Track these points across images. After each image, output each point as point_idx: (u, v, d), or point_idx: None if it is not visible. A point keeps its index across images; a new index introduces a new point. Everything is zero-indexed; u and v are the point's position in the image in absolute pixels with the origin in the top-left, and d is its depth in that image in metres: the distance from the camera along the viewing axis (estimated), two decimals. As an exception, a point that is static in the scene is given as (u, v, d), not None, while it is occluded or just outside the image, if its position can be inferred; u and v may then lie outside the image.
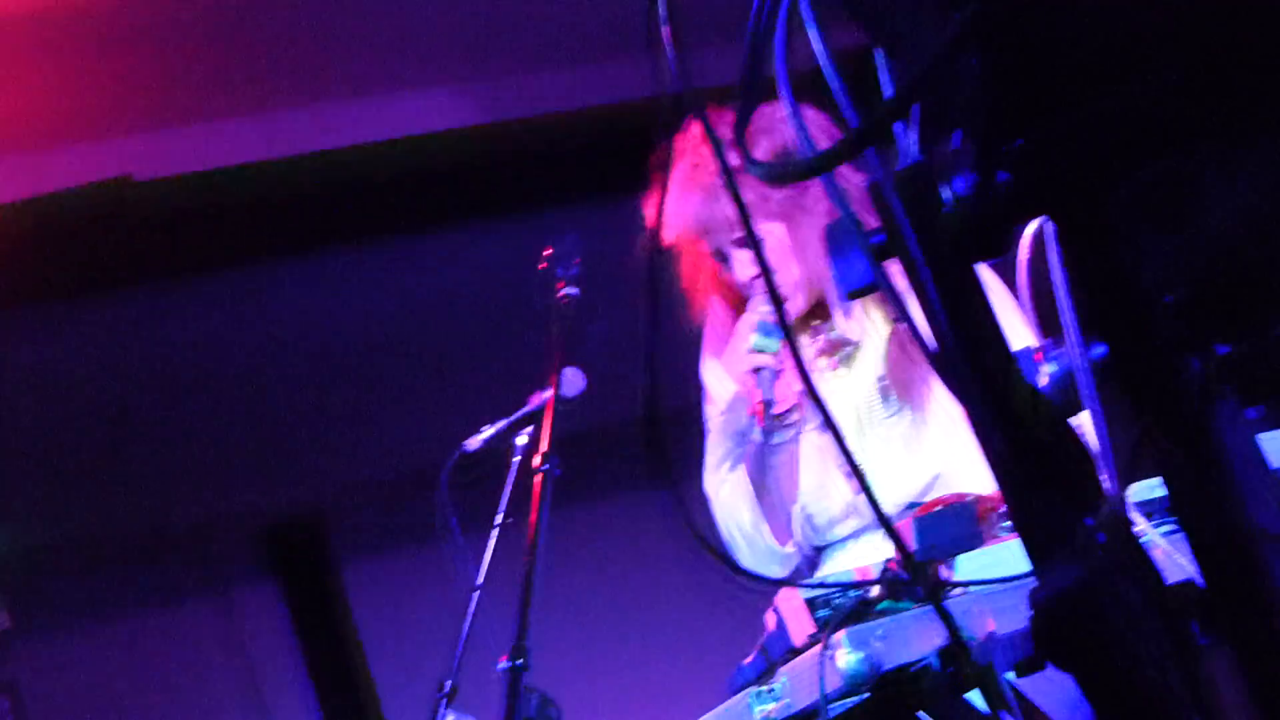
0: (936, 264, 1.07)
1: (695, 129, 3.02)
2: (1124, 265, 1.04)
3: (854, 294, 1.22)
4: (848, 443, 3.01)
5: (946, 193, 1.09)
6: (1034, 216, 1.11)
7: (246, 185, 5.74)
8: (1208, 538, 1.07)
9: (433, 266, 6.13)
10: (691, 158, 3.04)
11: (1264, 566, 1.08)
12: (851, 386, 3.11)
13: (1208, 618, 1.09)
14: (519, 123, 5.64)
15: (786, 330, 2.98)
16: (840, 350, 3.15)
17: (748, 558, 3.22)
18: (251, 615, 8.31)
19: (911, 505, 3.03)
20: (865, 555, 3.03)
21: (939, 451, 3.00)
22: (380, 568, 8.49)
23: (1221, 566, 1.06)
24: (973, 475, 2.90)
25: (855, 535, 3.12)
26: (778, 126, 3.00)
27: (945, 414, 3.00)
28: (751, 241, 1.70)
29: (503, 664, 2.59)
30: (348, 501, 8.37)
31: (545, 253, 3.06)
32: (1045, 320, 1.26)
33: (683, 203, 3.02)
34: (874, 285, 1.20)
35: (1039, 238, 1.22)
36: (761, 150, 3.01)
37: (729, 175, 1.39)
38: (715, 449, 3.25)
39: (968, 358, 1.05)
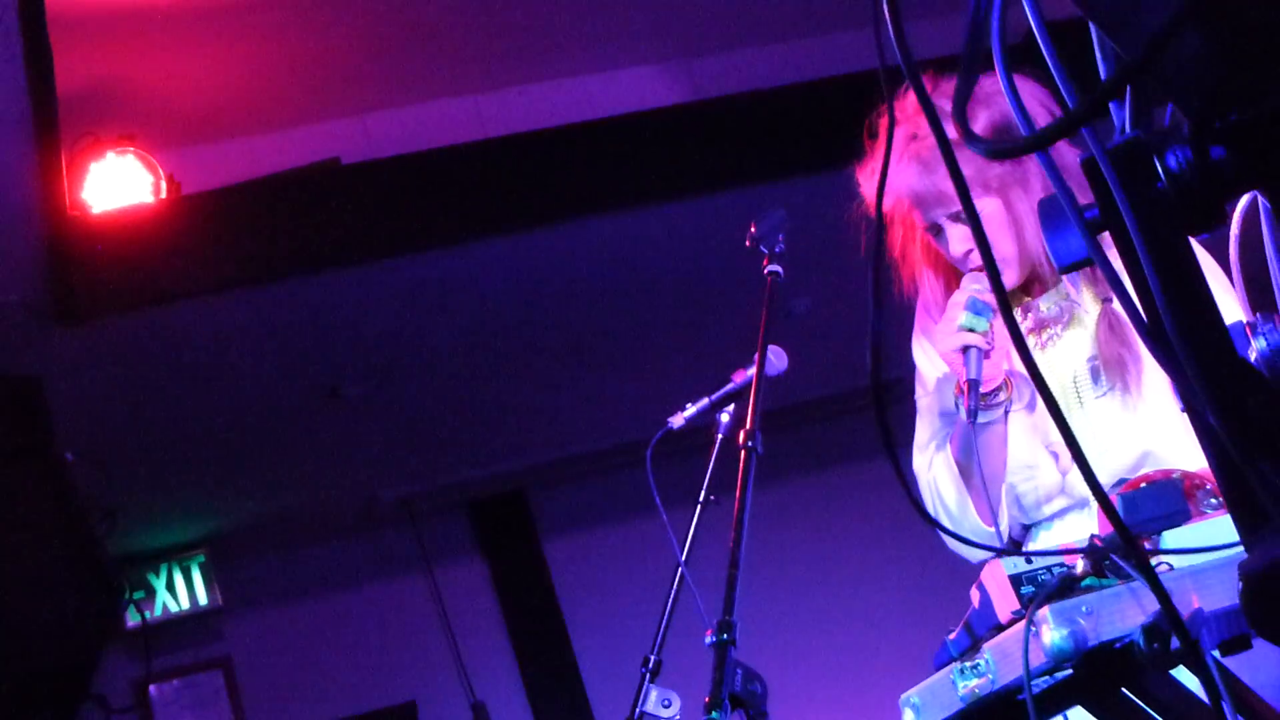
0: (1151, 238, 1.08)
1: (911, 100, 3.03)
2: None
3: (1067, 268, 1.23)
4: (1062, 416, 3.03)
5: (1160, 168, 1.10)
6: (1248, 191, 1.12)
7: (451, 167, 5.84)
8: None
9: (638, 244, 6.17)
10: (908, 127, 3.03)
11: None
12: (1060, 364, 3.09)
13: None
14: (723, 100, 5.67)
15: (1003, 303, 2.99)
16: (1049, 329, 3.12)
17: (950, 532, 3.22)
18: (456, 589, 8.44)
19: (1120, 482, 3.01)
20: (1071, 533, 3.02)
21: (1149, 430, 2.97)
22: (583, 544, 8.59)
23: None
24: (1183, 454, 2.88)
25: (1061, 514, 3.11)
26: (995, 99, 2.98)
27: (1155, 392, 2.97)
28: (971, 215, 1.71)
29: (709, 639, 2.62)
30: (551, 477, 8.48)
31: (751, 230, 3.06)
32: (1258, 295, 1.26)
33: (899, 174, 3.01)
34: (1087, 260, 1.21)
35: (1250, 213, 1.22)
36: (980, 124, 2.99)
37: (947, 148, 1.38)
38: (923, 429, 3.25)
39: (1182, 331, 1.06)
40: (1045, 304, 3.13)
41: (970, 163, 2.97)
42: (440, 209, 5.85)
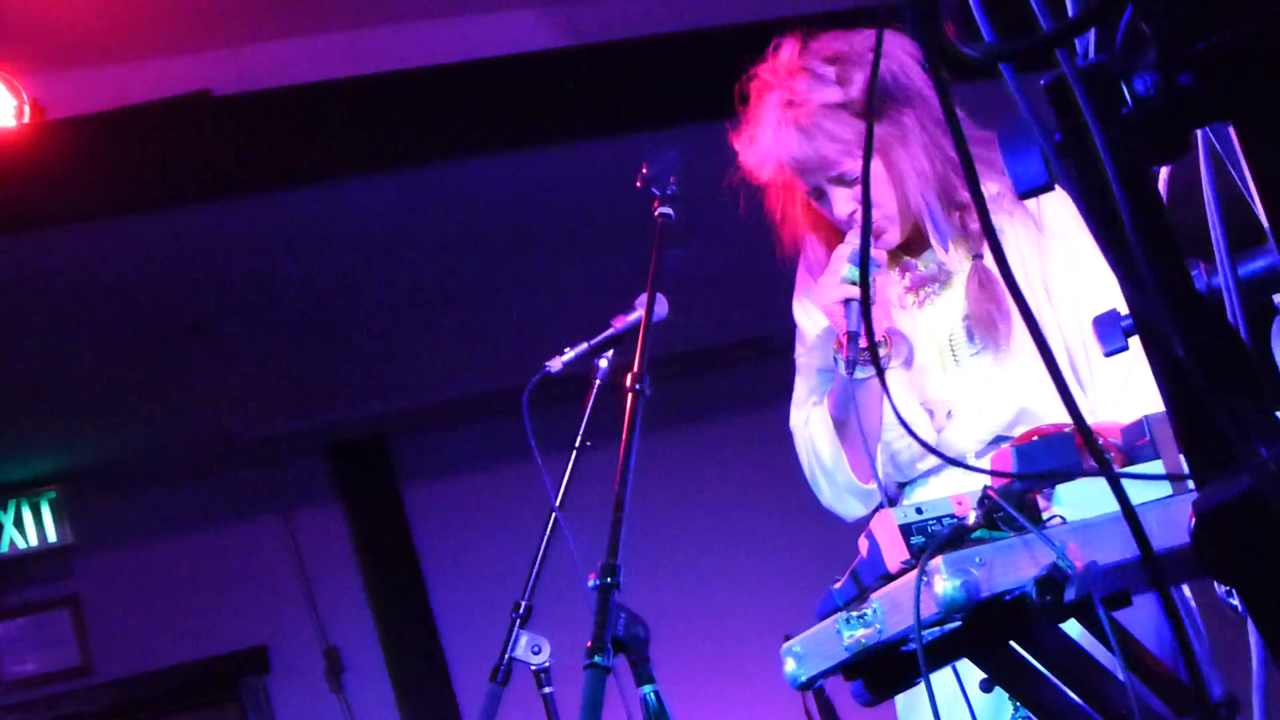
0: (1119, 163, 1.05)
1: (782, 61, 3.03)
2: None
3: (1027, 194, 1.21)
4: (925, 376, 3.05)
5: (1127, 93, 1.07)
6: (1216, 119, 1.10)
7: (325, 102, 5.75)
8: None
9: (512, 187, 6.12)
10: (783, 93, 3.02)
11: None
12: (937, 324, 3.10)
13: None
14: (603, 46, 5.63)
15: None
16: (926, 287, 3.14)
17: (828, 494, 3.23)
18: (312, 533, 8.36)
19: (998, 439, 3.02)
20: (945, 490, 3.02)
21: (1023, 386, 2.99)
22: (443, 491, 8.54)
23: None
24: (1055, 409, 2.90)
25: (936, 471, 3.12)
26: (868, 59, 2.99)
27: (1026, 349, 2.99)
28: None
29: (593, 582, 2.59)
30: (413, 423, 8.41)
31: (642, 170, 3.03)
32: (1191, 243, 1.24)
33: (778, 141, 3.00)
34: (1049, 184, 1.19)
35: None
36: (857, 85, 2.99)
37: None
38: (801, 386, 3.24)
39: (1149, 260, 1.04)
40: (922, 264, 3.15)
41: (849, 126, 2.98)
42: (311, 145, 5.76)
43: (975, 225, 3.06)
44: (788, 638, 2.54)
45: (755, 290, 7.36)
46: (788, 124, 2.99)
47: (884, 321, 3.06)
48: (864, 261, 2.88)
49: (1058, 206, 3.05)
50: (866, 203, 1.79)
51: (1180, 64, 1.03)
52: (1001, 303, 3.00)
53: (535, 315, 7.25)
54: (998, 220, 3.04)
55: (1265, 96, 1.02)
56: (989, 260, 3.02)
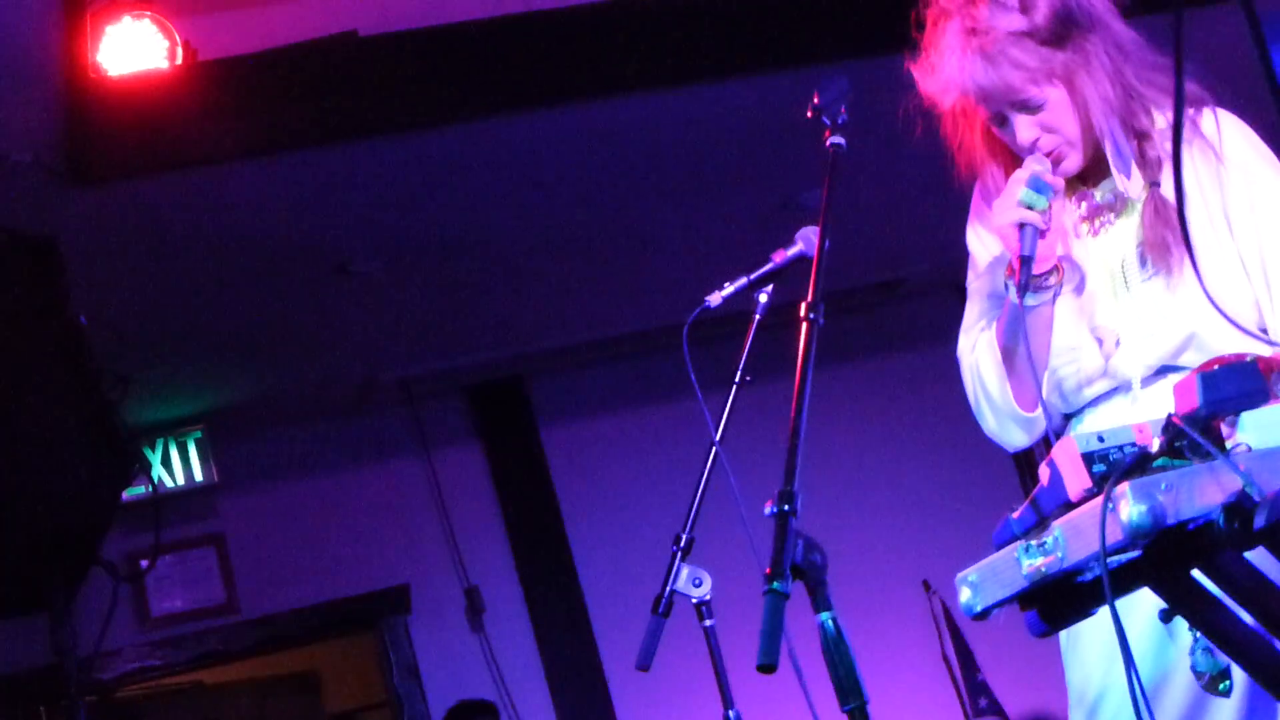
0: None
1: None
2: None
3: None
4: (1095, 302, 3.03)
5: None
6: None
7: (469, 44, 5.76)
8: None
9: (655, 128, 6.13)
10: (963, 20, 3.01)
11: None
12: (1110, 250, 3.08)
13: None
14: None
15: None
16: (1101, 216, 3.12)
17: (991, 422, 3.21)
18: (452, 473, 8.44)
19: (1165, 369, 3.00)
20: (1112, 419, 3.01)
21: (1193, 312, 2.96)
22: (580, 433, 8.59)
23: None
24: (1227, 337, 2.87)
25: (1105, 397, 3.09)
26: None
27: (1198, 277, 2.96)
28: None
29: (769, 509, 2.59)
30: (551, 365, 8.46)
31: (814, 100, 3.02)
32: None
33: (961, 68, 2.99)
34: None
35: None
36: (1041, 11, 2.98)
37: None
38: (971, 311, 3.23)
39: None
40: (1099, 193, 3.13)
41: (1034, 53, 2.97)
42: (456, 86, 5.78)
43: (1153, 153, 3.03)
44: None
45: (903, 231, 7.38)
46: (972, 51, 2.98)
47: (1058, 248, 3.05)
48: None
49: (1237, 136, 3.02)
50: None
51: None
52: (1176, 229, 2.97)
53: (672, 259, 7.26)
54: (1199, 144, 3.03)
55: None
56: (1166, 189, 3.00)
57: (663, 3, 5.76)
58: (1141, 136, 3.03)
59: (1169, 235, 2.98)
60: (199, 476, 8.02)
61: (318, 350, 7.48)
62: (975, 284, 3.23)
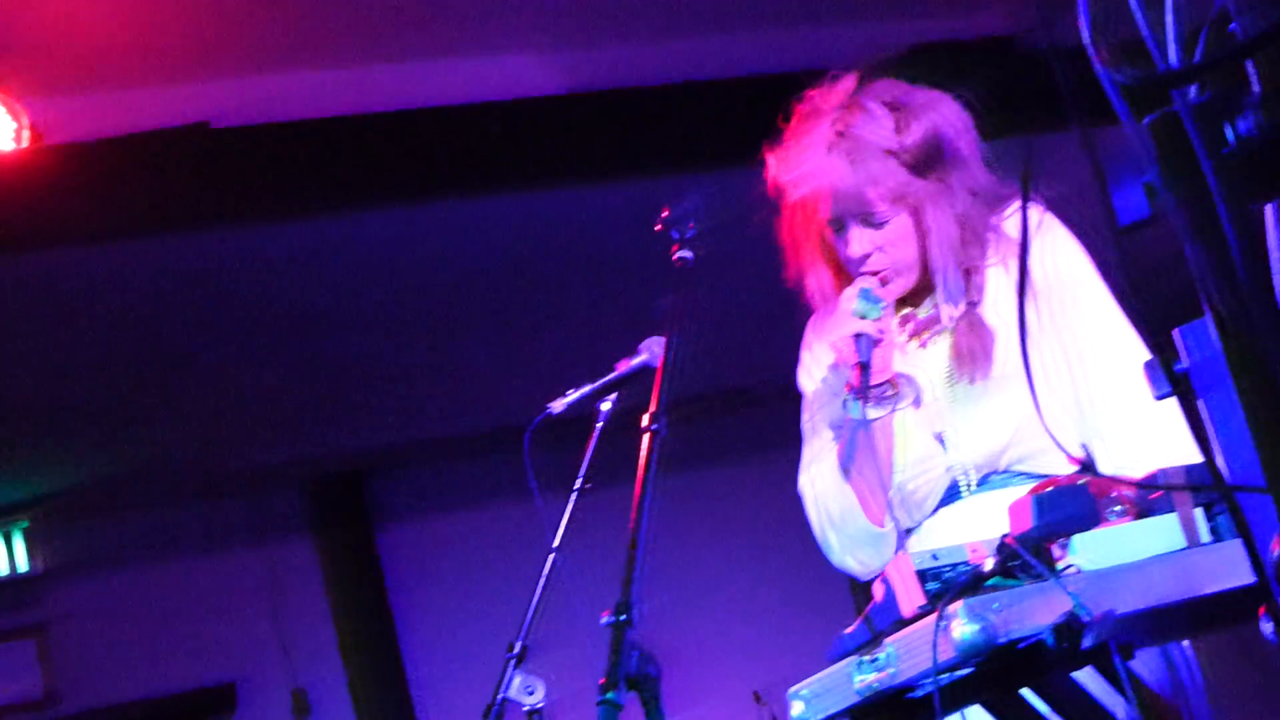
0: (1227, 199, 1.07)
1: (837, 92, 3.06)
2: None
3: (1128, 228, 1.23)
4: (932, 410, 3.08)
5: (1229, 132, 1.10)
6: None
7: (323, 138, 5.76)
8: None
9: (507, 229, 6.15)
10: (836, 123, 3.04)
11: None
12: (934, 362, 3.15)
13: None
14: (611, 92, 5.66)
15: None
16: (926, 331, 3.18)
17: (837, 549, 3.22)
18: (286, 569, 8.33)
19: (992, 474, 3.04)
20: (948, 531, 3.05)
21: (1008, 421, 3.03)
22: (416, 532, 8.53)
23: None
24: (1038, 444, 2.97)
25: (938, 509, 3.13)
26: (928, 111, 3.04)
27: (1010, 385, 3.03)
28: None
29: (606, 618, 2.59)
30: (389, 461, 8.40)
31: (663, 214, 3.05)
32: None
33: (822, 167, 3.02)
34: (1152, 218, 1.21)
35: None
36: (914, 133, 3.03)
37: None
38: (808, 449, 3.27)
39: (1257, 291, 1.06)
40: (923, 310, 3.18)
41: (895, 173, 3.02)
42: (305, 180, 5.77)
43: (978, 280, 3.10)
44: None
45: (754, 339, 7.42)
46: (837, 152, 3.02)
47: (891, 363, 3.09)
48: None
49: (1073, 257, 3.09)
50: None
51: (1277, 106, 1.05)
52: (987, 344, 3.05)
53: (518, 359, 7.26)
54: (1008, 272, 3.09)
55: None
56: (983, 309, 3.07)
57: (518, 106, 5.79)
58: (972, 270, 3.10)
59: (979, 349, 3.06)
60: (23, 566, 7.84)
61: (154, 437, 7.37)
62: (811, 421, 3.26)
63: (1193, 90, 1.10)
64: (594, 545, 4.50)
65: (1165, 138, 1.10)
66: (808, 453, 3.27)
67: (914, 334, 3.18)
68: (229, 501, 8.25)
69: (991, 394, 3.05)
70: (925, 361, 3.14)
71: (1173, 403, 1.62)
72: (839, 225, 3.09)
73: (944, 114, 3.06)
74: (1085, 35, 1.11)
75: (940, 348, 3.14)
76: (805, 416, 3.29)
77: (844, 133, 3.03)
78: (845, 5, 5.09)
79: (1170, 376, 1.58)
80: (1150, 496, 2.43)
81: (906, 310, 3.20)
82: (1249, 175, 1.06)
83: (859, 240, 3.07)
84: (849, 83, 3.10)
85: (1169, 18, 1.07)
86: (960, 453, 3.07)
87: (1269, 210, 1.21)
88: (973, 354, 3.06)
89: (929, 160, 3.03)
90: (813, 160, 3.04)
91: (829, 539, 3.21)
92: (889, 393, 3.08)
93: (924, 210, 3.04)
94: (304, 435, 7.82)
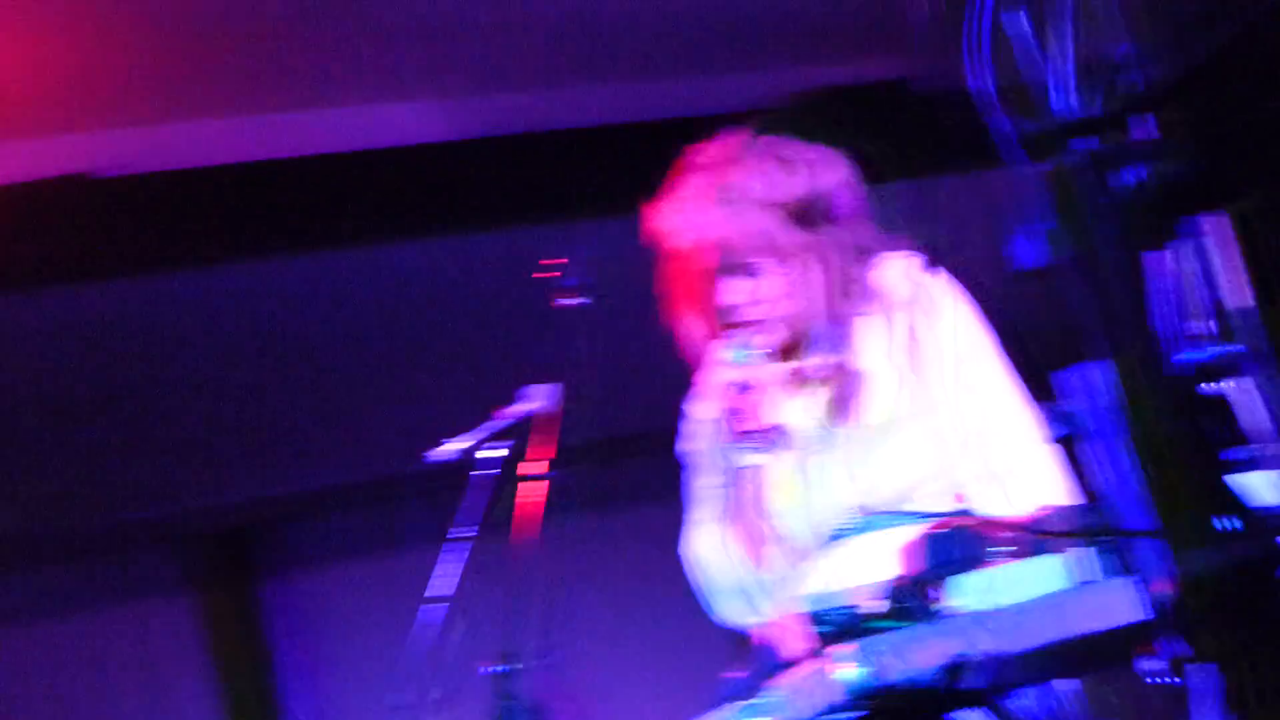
0: (1116, 246, 1.09)
1: (721, 149, 3.11)
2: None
3: (1025, 274, 1.25)
4: (811, 457, 3.11)
5: (1120, 181, 1.12)
6: (1205, 208, 1.14)
7: (197, 188, 5.71)
8: None
9: (388, 280, 6.13)
10: (720, 176, 3.09)
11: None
12: (810, 410, 3.18)
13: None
14: (495, 140, 5.66)
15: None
16: (809, 382, 3.22)
17: (723, 603, 3.25)
18: (162, 629, 8.20)
19: (873, 517, 3.07)
20: (834, 573, 3.07)
21: (887, 464, 3.07)
22: (298, 586, 8.43)
23: None
24: (923, 486, 3.01)
25: (828, 546, 3.15)
26: (815, 168, 3.09)
27: (886, 430, 3.07)
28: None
29: (492, 669, 2.57)
30: (269, 515, 8.31)
31: (543, 264, 3.07)
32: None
33: (704, 216, 3.07)
34: (1049, 265, 1.23)
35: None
36: (793, 188, 3.08)
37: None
38: (695, 511, 3.29)
39: (1139, 332, 1.07)
40: (799, 361, 3.22)
41: (774, 225, 3.08)
42: (185, 231, 5.72)
43: (853, 330, 3.15)
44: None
45: (642, 385, 7.42)
46: (719, 202, 3.07)
47: (767, 410, 3.13)
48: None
49: (958, 308, 3.13)
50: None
51: (1172, 155, 1.07)
52: (860, 393, 3.11)
53: (399, 408, 7.21)
54: (891, 321, 3.14)
55: (1253, 185, 1.06)
56: (858, 359, 3.12)
57: (395, 155, 5.78)
58: (848, 321, 3.15)
59: (852, 398, 3.10)
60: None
61: (19, 494, 7.24)
62: (695, 473, 3.30)
63: (1088, 142, 1.12)
64: (480, 595, 4.48)
65: (1065, 185, 1.12)
66: (692, 515, 3.30)
67: (791, 383, 3.23)
68: (100, 559, 8.11)
69: (867, 441, 3.09)
70: (803, 409, 3.18)
71: (1057, 445, 1.65)
72: (718, 276, 3.13)
73: (827, 169, 3.13)
74: (988, 83, 1.12)
75: (817, 396, 3.19)
76: (688, 476, 3.32)
77: (725, 185, 3.08)
78: (735, 52, 5.13)
79: (1061, 419, 1.62)
80: (1037, 538, 2.46)
81: (784, 360, 3.24)
82: (1143, 221, 1.08)
83: (736, 290, 3.11)
84: (733, 138, 3.16)
85: (1068, 67, 1.09)
86: (839, 497, 3.10)
87: (1208, 225, 1.23)
88: (846, 402, 3.11)
89: (809, 214, 3.09)
90: (693, 211, 3.09)
91: (713, 590, 3.24)
92: (765, 440, 3.12)
93: (802, 262, 3.10)
94: (179, 491, 7.71)
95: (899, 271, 3.09)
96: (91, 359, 6.17)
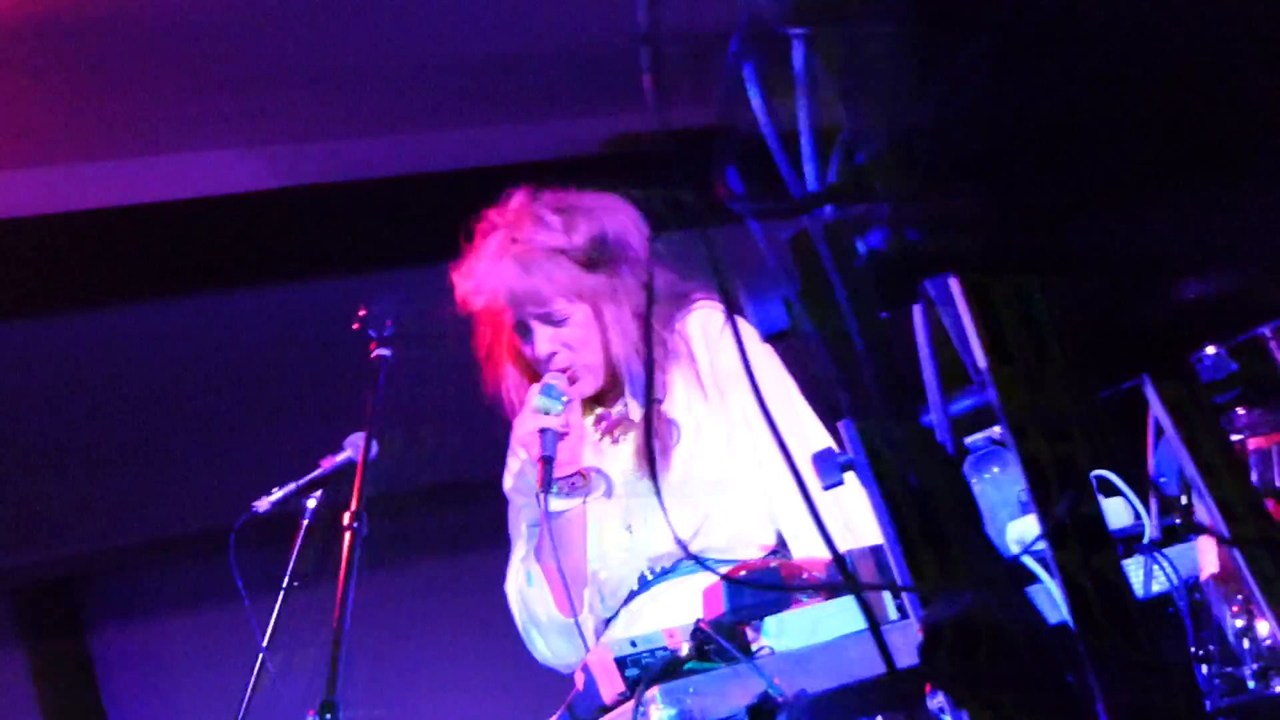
0: (856, 309, 1.15)
1: (512, 205, 3.18)
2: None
3: (770, 337, 1.30)
4: (624, 502, 3.17)
5: (860, 247, 1.17)
6: (941, 271, 1.20)
7: (11, 238, 5.65)
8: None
9: (213, 326, 6.10)
10: (509, 231, 3.16)
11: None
12: (625, 458, 3.25)
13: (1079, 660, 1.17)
14: (313, 188, 5.66)
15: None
16: (618, 429, 3.29)
17: (540, 646, 3.30)
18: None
19: (683, 562, 3.12)
20: (642, 620, 3.12)
21: (695, 511, 3.13)
22: (132, 636, 8.32)
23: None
24: (727, 530, 3.13)
25: (633, 596, 3.21)
26: (597, 213, 3.17)
27: (693, 476, 3.13)
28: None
29: (311, 719, 2.60)
30: (101, 565, 8.20)
31: (360, 313, 3.11)
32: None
33: (498, 273, 3.14)
34: (790, 330, 1.28)
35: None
36: (580, 233, 3.16)
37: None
38: (514, 553, 3.35)
39: (886, 393, 1.13)
40: (613, 409, 3.29)
41: (567, 270, 3.13)
42: (7, 280, 5.65)
43: (662, 377, 3.21)
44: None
45: (460, 434, 7.42)
46: (510, 257, 3.15)
47: (581, 456, 3.19)
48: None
49: (758, 358, 3.20)
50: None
51: (908, 222, 1.13)
52: (667, 441, 3.15)
53: (224, 457, 7.16)
54: (697, 368, 3.21)
55: (980, 251, 1.12)
56: (667, 407, 3.18)
57: (217, 203, 5.75)
58: (656, 369, 3.21)
59: (657, 445, 3.17)
60: None
61: None
62: (513, 521, 3.36)
63: (829, 209, 1.18)
64: (307, 643, 4.48)
65: (801, 254, 1.18)
66: (513, 557, 3.35)
67: (606, 431, 3.31)
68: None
69: (676, 487, 3.16)
70: (617, 456, 3.26)
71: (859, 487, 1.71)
72: (523, 328, 3.21)
73: (611, 213, 3.21)
74: (731, 181, 1.18)
75: (630, 443, 3.26)
76: (510, 518, 3.38)
77: (515, 239, 3.17)
78: (542, 101, 5.19)
79: (840, 466, 1.68)
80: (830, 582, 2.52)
81: (599, 409, 3.32)
82: (879, 286, 1.14)
83: (543, 340, 3.19)
84: (521, 196, 3.24)
85: (804, 140, 1.15)
86: (651, 543, 3.17)
87: (944, 288, 1.29)
88: (656, 449, 3.18)
89: (599, 257, 3.17)
90: (487, 268, 3.16)
91: (532, 636, 3.30)
92: (578, 485, 3.19)
93: (601, 305, 3.18)
94: (8, 542, 7.59)
95: (701, 319, 3.17)
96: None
